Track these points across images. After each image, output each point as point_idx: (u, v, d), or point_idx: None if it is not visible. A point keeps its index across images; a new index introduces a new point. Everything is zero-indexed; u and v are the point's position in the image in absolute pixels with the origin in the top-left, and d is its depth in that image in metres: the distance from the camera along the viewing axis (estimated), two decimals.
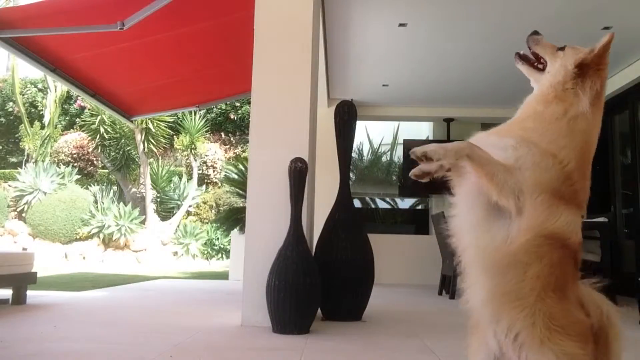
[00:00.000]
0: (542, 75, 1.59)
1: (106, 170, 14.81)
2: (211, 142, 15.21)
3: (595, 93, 1.51)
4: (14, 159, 16.29)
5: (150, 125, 12.95)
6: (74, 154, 14.69)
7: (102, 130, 13.55)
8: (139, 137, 13.07)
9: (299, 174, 3.35)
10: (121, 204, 13.08)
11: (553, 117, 1.46)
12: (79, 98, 15.12)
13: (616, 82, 6.16)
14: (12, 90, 15.61)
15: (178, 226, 12.96)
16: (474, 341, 1.51)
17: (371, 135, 10.08)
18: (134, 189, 14.41)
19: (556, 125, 1.45)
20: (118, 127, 13.68)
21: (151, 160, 13.80)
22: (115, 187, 14.18)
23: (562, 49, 1.63)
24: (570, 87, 1.52)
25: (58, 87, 14.56)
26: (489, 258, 1.39)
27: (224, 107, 15.50)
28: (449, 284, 5.75)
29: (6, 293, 4.29)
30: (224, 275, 8.25)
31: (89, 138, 14.16)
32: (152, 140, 13.20)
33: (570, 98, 1.50)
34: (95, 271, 8.91)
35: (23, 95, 16.12)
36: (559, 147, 1.42)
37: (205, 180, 14.57)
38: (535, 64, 1.61)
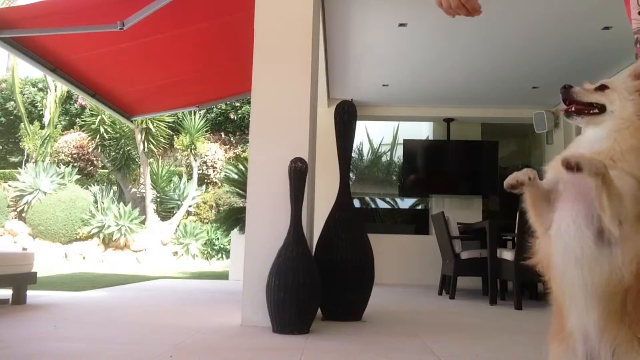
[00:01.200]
0: (603, 116, 1.57)
1: (106, 170, 14.81)
2: (211, 142, 15.21)
3: None
4: (14, 159, 16.30)
5: (150, 125, 12.96)
6: (74, 154, 14.70)
7: (102, 130, 13.55)
8: (139, 137, 13.07)
9: (299, 174, 3.35)
10: (121, 204, 13.08)
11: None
12: (79, 97, 15.11)
13: None
14: (12, 90, 15.62)
15: (178, 226, 12.96)
16: (555, 348, 1.49)
17: (371, 135, 10.09)
18: (134, 189, 14.42)
19: None
20: (118, 127, 13.68)
21: (151, 160, 13.80)
22: (115, 187, 14.18)
23: (602, 87, 1.61)
24: None
25: (58, 87, 14.56)
26: (599, 289, 1.37)
27: (224, 107, 15.51)
28: (449, 284, 5.75)
29: (6, 293, 4.29)
30: (224, 275, 8.26)
31: (89, 138, 14.17)
32: (152, 140, 13.20)
33: None
34: (95, 271, 8.91)
35: (23, 95, 16.12)
36: None
37: (205, 180, 14.57)
38: (592, 111, 1.59)
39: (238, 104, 15.42)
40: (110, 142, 13.87)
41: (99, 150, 14.09)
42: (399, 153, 9.57)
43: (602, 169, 1.36)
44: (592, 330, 1.38)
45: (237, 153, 15.18)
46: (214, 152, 14.79)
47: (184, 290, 5.98)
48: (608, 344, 1.35)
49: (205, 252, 12.53)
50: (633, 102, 1.50)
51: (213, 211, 13.58)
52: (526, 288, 5.45)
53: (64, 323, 3.35)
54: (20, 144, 15.04)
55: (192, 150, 13.57)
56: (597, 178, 1.36)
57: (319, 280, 3.25)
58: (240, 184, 8.39)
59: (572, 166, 1.34)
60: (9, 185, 13.39)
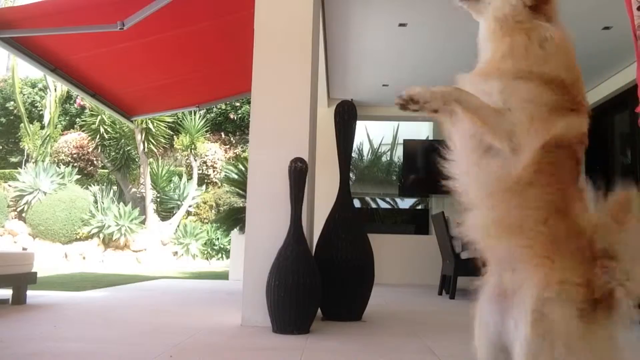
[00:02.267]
0: (480, 4, 1.57)
1: (106, 170, 14.82)
2: (211, 142, 15.21)
3: (552, 15, 1.52)
4: (14, 159, 16.30)
5: (150, 125, 12.96)
6: (74, 154, 14.70)
7: (102, 130, 13.56)
8: (139, 137, 13.07)
9: (299, 174, 3.35)
10: (121, 204, 13.08)
11: (522, 45, 1.43)
12: (78, 97, 15.12)
13: (616, 82, 6.16)
14: (12, 90, 15.62)
15: (178, 226, 12.96)
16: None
17: (371, 135, 10.09)
18: (134, 189, 14.42)
19: (530, 50, 1.41)
20: (118, 127, 13.68)
21: (151, 160, 13.80)
22: (115, 187, 14.18)
23: None
24: (521, 19, 1.48)
25: (58, 87, 14.56)
26: (491, 187, 1.38)
27: (224, 107, 15.51)
28: (449, 284, 5.75)
29: (6, 293, 4.29)
30: (224, 275, 8.26)
31: (89, 138, 14.17)
32: (152, 140, 13.20)
33: (527, 26, 1.46)
34: (95, 271, 8.91)
35: (23, 95, 16.12)
36: (543, 67, 1.39)
37: (205, 180, 14.57)
38: None
39: (238, 104, 15.42)
40: (110, 142, 13.87)
41: (99, 150, 14.09)
42: (399, 153, 9.58)
43: (450, 96, 1.36)
44: (493, 235, 1.38)
45: (237, 153, 15.18)
46: (214, 152, 14.79)
47: (184, 290, 5.98)
48: (507, 262, 1.35)
49: (205, 252, 12.53)
50: (511, 6, 1.47)
51: (213, 211, 13.58)
52: None
53: (64, 323, 3.34)
54: (20, 144, 15.04)
55: (192, 150, 13.57)
56: (448, 105, 1.36)
57: (319, 280, 3.25)
58: (240, 184, 8.39)
59: (406, 101, 1.34)
60: (9, 185, 13.39)
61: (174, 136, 14.11)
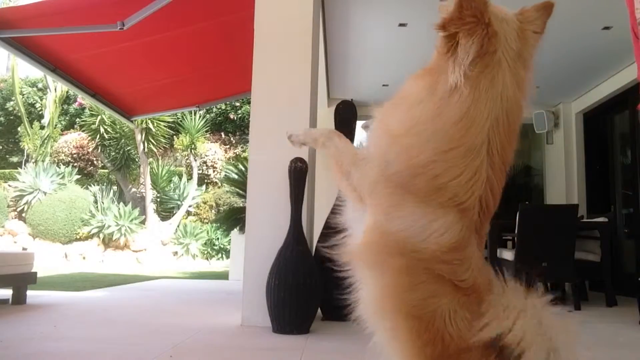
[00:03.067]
0: None
1: (106, 170, 14.81)
2: (211, 142, 15.21)
3: (477, 56, 1.19)
4: (14, 159, 16.29)
5: (150, 125, 12.95)
6: (74, 154, 14.70)
7: (102, 130, 13.55)
8: (139, 137, 13.07)
9: (299, 174, 3.35)
10: (121, 204, 13.08)
11: (416, 98, 1.25)
12: (78, 97, 15.12)
13: (616, 82, 6.16)
14: (12, 90, 15.62)
15: (178, 226, 12.96)
16: None
17: None
18: (134, 189, 14.42)
19: (418, 108, 1.22)
20: (118, 127, 13.68)
21: (151, 160, 13.80)
22: (115, 187, 14.18)
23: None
24: (444, 58, 1.26)
25: (58, 87, 14.56)
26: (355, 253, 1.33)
27: (224, 107, 15.50)
28: None
29: (6, 293, 4.29)
30: (224, 275, 8.25)
31: (89, 138, 14.17)
32: (152, 140, 13.20)
33: (441, 72, 1.25)
34: (95, 271, 8.90)
35: (23, 95, 16.12)
36: (412, 135, 1.20)
37: (205, 180, 14.57)
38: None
39: (238, 104, 15.42)
40: (110, 142, 13.86)
41: (99, 150, 14.09)
42: None
43: (319, 139, 1.41)
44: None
45: (237, 153, 15.18)
46: (214, 152, 14.79)
47: (184, 290, 5.98)
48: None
49: (205, 252, 12.53)
50: (438, 36, 1.32)
51: (213, 211, 13.57)
52: None
53: (64, 323, 3.34)
54: (20, 144, 15.04)
55: (192, 150, 13.57)
56: (318, 147, 1.41)
57: (319, 280, 3.25)
58: (240, 184, 8.38)
59: (290, 140, 1.48)
60: (9, 185, 13.39)
61: (174, 136, 14.10)
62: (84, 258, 12.03)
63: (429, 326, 1.16)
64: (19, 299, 4.11)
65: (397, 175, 1.20)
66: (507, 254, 4.98)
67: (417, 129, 1.20)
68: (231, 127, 15.85)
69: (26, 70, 16.75)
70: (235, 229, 8.16)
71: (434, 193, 1.17)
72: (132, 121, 8.23)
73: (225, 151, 15.46)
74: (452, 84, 1.19)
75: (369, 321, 1.32)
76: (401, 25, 5.13)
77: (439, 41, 1.31)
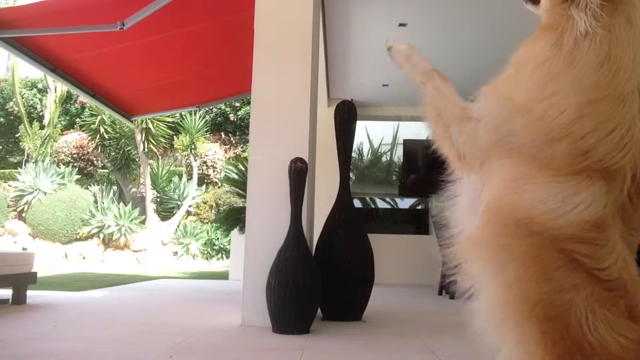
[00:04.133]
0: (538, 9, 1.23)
1: (106, 170, 14.81)
2: (211, 142, 15.21)
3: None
4: (14, 159, 16.29)
5: (150, 125, 12.95)
6: (74, 154, 14.69)
7: (102, 130, 13.55)
8: (139, 137, 13.07)
9: (299, 174, 3.35)
10: (121, 204, 13.07)
11: (539, 59, 1.09)
12: (79, 96, 15.11)
13: None
14: (12, 90, 15.61)
15: (178, 226, 12.96)
16: None
17: (371, 135, 10.07)
18: (134, 189, 14.42)
19: (544, 67, 1.06)
20: (118, 127, 13.68)
21: (151, 160, 13.80)
22: (115, 187, 14.18)
23: None
24: (560, 10, 1.09)
25: (58, 87, 14.55)
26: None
27: (224, 107, 15.50)
28: (449, 284, 5.74)
29: (6, 293, 4.29)
30: (224, 275, 8.25)
31: (89, 138, 14.16)
32: (152, 140, 13.19)
33: (562, 24, 1.08)
34: (95, 271, 8.90)
35: (23, 95, 16.12)
36: (542, 97, 1.04)
37: (205, 180, 14.56)
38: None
39: (238, 104, 15.42)
40: (110, 142, 13.86)
41: (99, 150, 14.08)
42: (399, 153, 9.56)
43: (417, 71, 1.24)
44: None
45: (237, 153, 15.17)
46: (214, 152, 14.78)
47: (184, 290, 5.98)
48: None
49: (205, 252, 12.53)
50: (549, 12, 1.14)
51: (213, 211, 13.57)
52: None
53: (64, 323, 3.34)
54: (20, 144, 15.03)
55: (192, 150, 13.56)
56: (414, 81, 1.24)
57: (319, 280, 3.25)
58: (240, 184, 8.38)
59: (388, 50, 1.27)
60: (9, 185, 13.38)
61: (174, 136, 14.10)
62: (84, 258, 12.03)
63: (563, 332, 0.95)
64: (19, 299, 4.11)
65: (528, 147, 1.03)
66: None
67: (551, 88, 1.03)
68: (231, 128, 15.85)
69: (26, 70, 16.75)
70: (235, 229, 8.16)
71: (578, 158, 0.98)
72: (132, 121, 8.23)
73: (225, 151, 15.46)
74: (582, 31, 1.03)
75: (491, 336, 1.06)
76: (401, 25, 5.13)
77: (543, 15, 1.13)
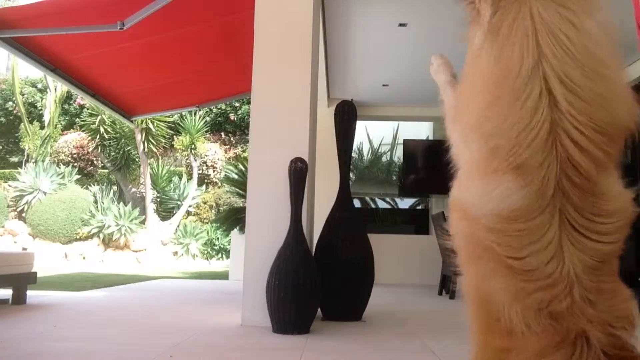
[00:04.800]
0: None
1: (106, 170, 14.81)
2: (211, 142, 15.21)
3: (493, 4, 1.07)
4: (14, 159, 16.29)
5: (150, 125, 12.96)
6: (74, 154, 14.69)
7: (102, 130, 13.55)
8: (139, 137, 13.07)
9: (299, 174, 3.35)
10: (121, 204, 13.08)
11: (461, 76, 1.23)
12: (78, 96, 15.11)
13: None
14: (12, 90, 15.61)
15: (178, 226, 12.96)
16: None
17: (371, 135, 10.07)
18: (134, 189, 14.42)
19: (465, 68, 1.19)
20: (118, 127, 13.68)
21: (151, 160, 13.80)
22: (115, 187, 14.18)
23: None
24: (470, 24, 1.17)
25: (58, 87, 14.56)
26: None
27: (224, 107, 15.51)
28: (449, 284, 5.74)
29: (6, 293, 4.29)
30: (224, 275, 8.25)
31: (89, 138, 14.17)
32: (152, 140, 13.20)
33: (474, 17, 1.15)
34: (95, 271, 8.90)
35: (23, 95, 16.12)
36: (465, 99, 1.16)
37: (205, 180, 14.57)
38: None
39: (238, 104, 15.42)
40: (110, 142, 13.87)
41: (99, 150, 14.09)
42: (399, 153, 9.56)
43: (439, 74, 1.36)
44: None
45: (237, 153, 15.18)
46: (214, 152, 14.79)
47: (184, 290, 5.98)
48: None
49: (205, 252, 12.53)
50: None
51: (213, 211, 13.57)
52: None
53: (64, 323, 3.34)
54: (20, 144, 15.03)
55: (192, 150, 13.57)
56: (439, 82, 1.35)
57: (319, 280, 3.25)
58: (240, 184, 8.38)
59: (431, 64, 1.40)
60: (9, 185, 13.39)
61: (174, 136, 14.11)
62: (84, 258, 12.03)
63: (488, 317, 1.00)
64: (19, 299, 4.11)
65: (460, 148, 1.16)
66: None
67: (467, 88, 1.16)
68: (231, 127, 15.86)
69: (26, 70, 16.75)
70: (235, 229, 8.16)
71: (491, 157, 1.02)
72: (132, 121, 8.23)
73: (225, 151, 15.46)
74: (478, 46, 1.10)
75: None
76: (401, 25, 5.13)
77: (465, 13, 1.19)
